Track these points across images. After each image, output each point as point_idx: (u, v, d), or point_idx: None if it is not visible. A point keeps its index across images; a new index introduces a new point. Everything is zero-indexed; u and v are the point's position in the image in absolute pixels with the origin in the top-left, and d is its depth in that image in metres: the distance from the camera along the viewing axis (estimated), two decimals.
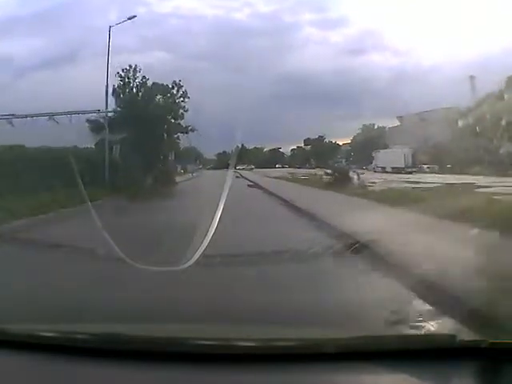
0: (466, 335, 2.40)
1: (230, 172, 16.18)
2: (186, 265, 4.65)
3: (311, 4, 58.79)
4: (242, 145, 54.83)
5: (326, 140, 59.72)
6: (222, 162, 50.09)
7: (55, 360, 2.01)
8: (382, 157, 37.36)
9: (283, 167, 59.27)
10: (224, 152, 53.14)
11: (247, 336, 2.21)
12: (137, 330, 2.42)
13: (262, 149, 65.68)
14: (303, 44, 53.48)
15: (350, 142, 53.94)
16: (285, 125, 50.65)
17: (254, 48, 50.74)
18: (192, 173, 44.92)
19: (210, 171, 54.20)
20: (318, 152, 57.95)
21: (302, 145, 62.36)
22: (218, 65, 55.56)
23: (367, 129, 48.37)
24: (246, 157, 55.74)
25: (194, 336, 2.24)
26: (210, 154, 57.77)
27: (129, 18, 22.14)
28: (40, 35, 51.73)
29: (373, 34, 56.11)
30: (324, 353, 1.95)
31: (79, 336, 2.17)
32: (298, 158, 61.36)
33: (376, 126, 48.03)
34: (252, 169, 54.63)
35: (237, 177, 32.61)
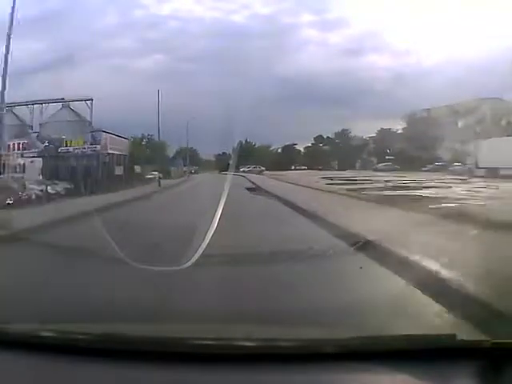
0: (467, 335, 2.39)
1: (230, 176, 10.72)
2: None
3: (310, 5, 59.17)
4: (246, 140, 47.36)
5: (352, 134, 48.32)
6: (222, 163, 42.74)
7: (55, 360, 2.01)
8: (497, 151, 21.46)
9: (297, 169, 48.13)
10: (224, 153, 46.33)
11: (247, 336, 2.20)
12: (137, 330, 2.42)
13: (268, 147, 54.53)
14: (302, 45, 53.66)
15: (373, 135, 44.69)
16: (286, 125, 49.43)
17: (253, 49, 50.87)
18: (159, 179, 28.81)
19: (203, 175, 43.54)
20: (342, 149, 47.06)
21: (311, 144, 53.02)
22: (217, 66, 55.81)
23: (413, 116, 36.42)
24: (252, 157, 46.52)
25: (194, 336, 2.24)
26: (208, 154, 53.71)
27: None
28: (38, 38, 52.40)
29: (372, 35, 56.38)
30: (324, 353, 1.95)
31: (79, 336, 2.16)
32: (316, 158, 49.84)
33: (425, 114, 35.49)
34: (261, 171, 43.06)
35: (249, 190, 20.15)
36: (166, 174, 35.80)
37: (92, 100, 27.54)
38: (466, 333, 2.65)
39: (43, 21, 50.29)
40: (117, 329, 2.40)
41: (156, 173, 32.44)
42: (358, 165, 45.72)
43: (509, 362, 1.90)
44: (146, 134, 44.62)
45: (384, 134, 42.71)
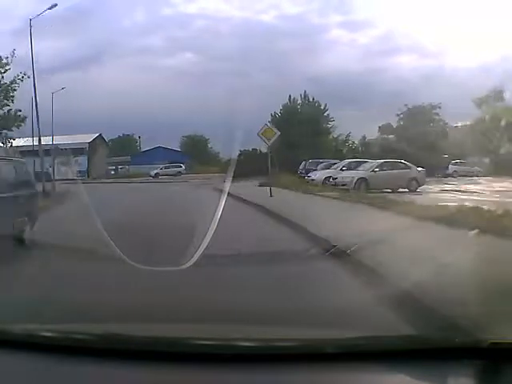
0: (466, 335, 2.40)
1: None
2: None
3: (338, 5, 59.49)
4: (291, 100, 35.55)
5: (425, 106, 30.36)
6: (247, 162, 31.88)
7: (55, 360, 2.00)
8: None
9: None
10: (254, 149, 33.59)
11: (247, 336, 2.20)
12: (137, 330, 2.42)
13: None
14: (331, 45, 53.90)
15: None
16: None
17: (282, 49, 50.78)
18: None
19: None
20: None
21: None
22: (246, 66, 56.03)
23: None
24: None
25: (194, 336, 2.23)
26: (228, 155, 46.24)
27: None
28: (67, 36, 52.83)
29: (400, 35, 56.70)
30: (324, 353, 1.95)
31: (79, 336, 2.16)
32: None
33: None
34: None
35: None
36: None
37: None
38: (465, 333, 2.66)
39: (71, 19, 51.96)
40: (117, 329, 2.40)
41: None
42: None
43: (508, 362, 1.91)
44: None
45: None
